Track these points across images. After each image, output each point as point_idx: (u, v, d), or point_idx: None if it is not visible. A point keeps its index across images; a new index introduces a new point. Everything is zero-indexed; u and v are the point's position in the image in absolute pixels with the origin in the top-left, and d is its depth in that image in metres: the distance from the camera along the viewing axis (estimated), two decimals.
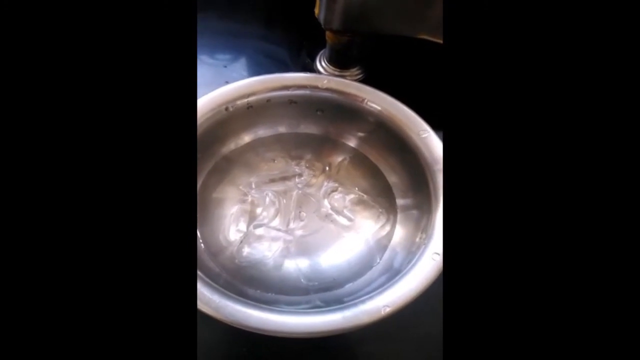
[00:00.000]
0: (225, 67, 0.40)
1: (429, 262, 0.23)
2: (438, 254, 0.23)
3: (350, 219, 0.31)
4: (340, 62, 0.37)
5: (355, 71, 0.38)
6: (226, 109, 0.29)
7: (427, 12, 0.29)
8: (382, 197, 0.32)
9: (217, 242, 0.29)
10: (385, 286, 0.23)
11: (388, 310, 0.22)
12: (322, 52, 0.39)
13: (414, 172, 0.30)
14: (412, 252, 0.26)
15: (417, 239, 0.26)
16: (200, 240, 0.29)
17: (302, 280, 0.28)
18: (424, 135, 0.28)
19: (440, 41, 0.31)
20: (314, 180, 0.33)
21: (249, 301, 0.23)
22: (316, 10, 0.32)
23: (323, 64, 0.39)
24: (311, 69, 0.39)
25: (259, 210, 0.31)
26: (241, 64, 0.40)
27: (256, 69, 0.40)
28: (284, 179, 0.33)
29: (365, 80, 0.38)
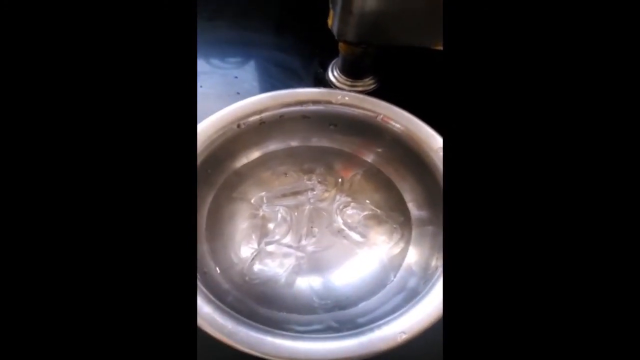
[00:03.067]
0: (236, 77, 0.39)
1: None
2: None
3: (363, 235, 0.30)
4: (353, 73, 0.37)
5: (368, 81, 0.38)
6: (238, 126, 0.29)
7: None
8: (396, 212, 0.31)
9: (227, 258, 0.29)
10: (401, 310, 0.23)
11: (404, 337, 0.21)
12: (334, 61, 0.39)
13: (429, 188, 0.29)
14: (428, 273, 0.26)
15: (434, 261, 0.26)
16: (210, 256, 0.28)
17: (314, 298, 0.28)
18: (441, 153, 0.28)
19: None
20: (326, 195, 0.32)
21: (261, 326, 0.22)
22: (329, 21, 0.31)
23: (335, 74, 0.38)
24: (323, 78, 0.39)
25: (270, 225, 0.31)
26: (252, 75, 0.40)
27: (267, 80, 0.39)
28: (296, 193, 0.32)
29: (378, 90, 0.38)
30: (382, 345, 0.21)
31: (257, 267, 0.29)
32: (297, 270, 0.29)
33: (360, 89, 0.37)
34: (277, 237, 0.30)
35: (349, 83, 0.37)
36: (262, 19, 0.44)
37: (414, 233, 0.30)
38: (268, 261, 0.29)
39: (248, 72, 0.40)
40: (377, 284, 0.28)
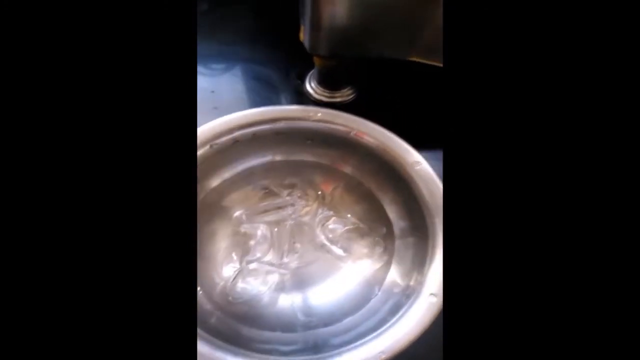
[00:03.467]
0: (213, 92, 0.39)
1: (425, 303, 0.23)
2: (434, 294, 0.23)
3: (346, 250, 0.30)
4: (329, 84, 0.37)
5: (346, 92, 0.38)
6: (210, 146, 0.29)
7: (416, 36, 0.28)
8: (378, 224, 0.31)
9: (209, 279, 0.29)
10: (383, 327, 0.22)
11: (384, 357, 0.21)
12: (311, 72, 0.38)
13: (408, 201, 0.29)
14: (410, 286, 0.26)
15: (415, 275, 0.26)
16: None
17: (298, 316, 0.27)
18: (417, 167, 0.28)
19: (432, 63, 0.30)
20: (307, 209, 0.32)
21: (242, 350, 0.22)
22: (301, 36, 0.31)
23: (313, 85, 0.38)
24: (301, 90, 0.39)
25: (252, 242, 0.31)
26: (230, 89, 0.39)
27: (245, 93, 0.39)
28: (277, 209, 0.32)
29: (356, 100, 0.38)
30: None
31: (239, 286, 0.29)
32: (281, 288, 0.28)
33: (338, 99, 0.37)
34: (258, 255, 0.30)
35: (327, 94, 0.37)
36: (238, 32, 0.43)
37: (396, 244, 0.29)
38: (250, 279, 0.29)
39: (225, 86, 0.39)
40: (361, 299, 0.28)
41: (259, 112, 0.30)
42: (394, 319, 0.23)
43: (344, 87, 0.37)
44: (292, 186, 0.33)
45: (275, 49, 0.41)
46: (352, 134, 0.30)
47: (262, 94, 0.38)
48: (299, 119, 0.30)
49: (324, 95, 0.37)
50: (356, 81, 0.38)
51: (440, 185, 0.27)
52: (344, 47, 0.30)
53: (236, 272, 0.29)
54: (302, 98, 0.37)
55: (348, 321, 0.27)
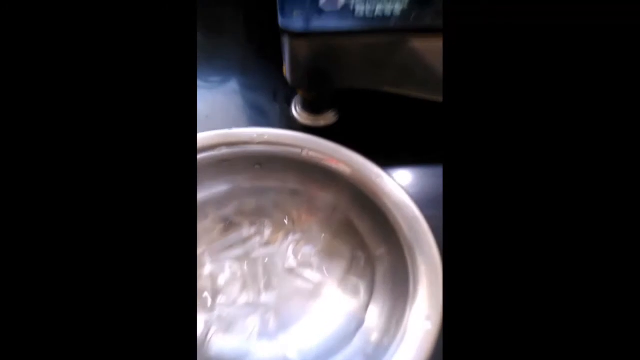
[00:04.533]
0: (207, 117, 0.37)
1: (419, 330, 0.21)
2: (429, 319, 0.22)
3: (323, 272, 0.28)
4: (313, 110, 0.37)
5: (329, 114, 0.37)
6: None
7: (383, 74, 0.31)
8: (352, 237, 0.29)
9: None
10: None
11: None
12: (295, 98, 0.38)
13: (377, 216, 0.27)
14: (400, 310, 0.24)
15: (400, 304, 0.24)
16: None
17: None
18: (377, 180, 0.26)
19: (402, 93, 0.32)
20: (275, 237, 0.29)
21: None
22: (284, 71, 0.32)
23: (298, 110, 0.38)
24: (288, 114, 0.38)
25: (220, 282, 0.28)
26: (220, 114, 0.38)
27: (234, 118, 0.38)
28: (242, 241, 0.29)
29: (340, 121, 0.37)
30: None
31: (215, 345, 0.25)
32: (264, 333, 0.26)
33: (322, 123, 0.37)
34: (233, 297, 0.27)
35: (311, 118, 0.37)
36: (227, 59, 0.43)
37: (378, 252, 0.28)
38: (227, 333, 0.26)
39: (215, 112, 0.38)
40: (354, 325, 0.26)
41: (201, 137, 0.26)
42: (393, 348, 0.22)
43: (328, 111, 0.37)
44: (253, 214, 0.30)
45: (265, 75, 0.41)
46: (303, 153, 0.27)
47: (251, 118, 0.38)
48: (242, 143, 0.27)
49: (308, 120, 0.37)
50: (339, 105, 0.38)
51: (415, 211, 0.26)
52: (323, 82, 0.32)
53: (208, 327, 0.26)
54: (290, 122, 0.37)
55: (347, 351, 0.25)
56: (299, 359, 0.25)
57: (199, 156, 0.26)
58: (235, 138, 0.27)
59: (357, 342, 0.25)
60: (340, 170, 0.27)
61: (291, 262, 0.28)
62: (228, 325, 0.26)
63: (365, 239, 0.28)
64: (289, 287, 0.27)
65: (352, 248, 0.29)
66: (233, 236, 0.29)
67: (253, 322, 0.26)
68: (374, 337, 0.24)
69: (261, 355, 0.25)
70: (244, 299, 0.27)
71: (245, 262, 0.28)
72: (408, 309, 0.23)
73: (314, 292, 0.27)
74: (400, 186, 0.26)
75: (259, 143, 0.27)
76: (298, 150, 0.27)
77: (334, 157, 0.27)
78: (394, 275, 0.26)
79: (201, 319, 0.26)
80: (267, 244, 0.29)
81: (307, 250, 0.29)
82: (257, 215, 0.30)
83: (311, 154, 0.27)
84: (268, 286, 0.27)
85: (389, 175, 0.27)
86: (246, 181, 0.29)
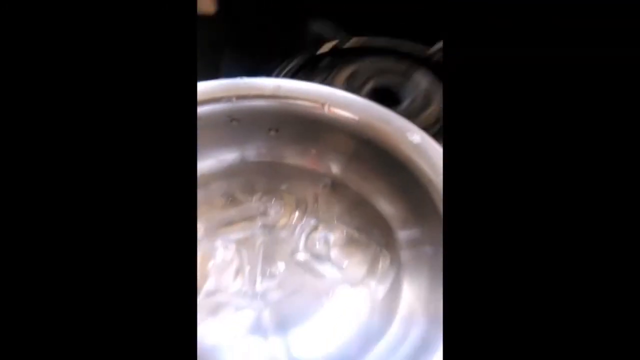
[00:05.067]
0: None
1: None
2: None
3: (340, 267, 0.23)
4: None
5: None
6: None
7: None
8: (378, 231, 0.24)
9: None
10: None
11: None
12: None
13: (412, 195, 0.22)
14: (438, 311, 0.19)
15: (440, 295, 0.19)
16: None
17: None
18: (416, 142, 0.21)
19: None
20: (284, 220, 0.24)
21: None
22: None
23: None
24: None
25: (210, 265, 0.22)
26: None
27: None
28: (245, 219, 0.24)
29: None
30: None
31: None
32: (257, 329, 0.20)
33: None
34: (223, 284, 0.22)
35: None
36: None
37: (406, 256, 0.23)
38: (213, 323, 0.20)
39: None
40: (372, 334, 0.20)
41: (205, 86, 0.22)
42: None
43: None
44: (263, 191, 0.25)
45: None
46: (325, 109, 0.23)
47: None
48: (253, 96, 0.23)
49: None
50: None
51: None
52: None
53: None
54: None
55: None
56: None
57: (202, 109, 0.22)
58: (247, 90, 0.23)
59: (381, 351, 0.19)
60: (371, 136, 0.22)
61: (301, 250, 0.23)
62: (213, 315, 0.20)
63: (392, 220, 0.23)
64: (294, 281, 0.22)
65: (377, 244, 0.23)
66: (234, 213, 0.24)
67: (245, 316, 0.20)
68: (406, 346, 0.18)
69: (249, 354, 0.19)
70: (236, 287, 0.21)
71: (244, 246, 0.23)
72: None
73: (325, 290, 0.22)
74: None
75: (274, 97, 0.23)
76: (319, 106, 0.23)
77: (364, 116, 0.22)
78: (431, 260, 0.20)
79: None
80: (274, 227, 0.24)
81: (322, 238, 0.24)
82: (266, 194, 0.25)
83: (336, 111, 0.23)
84: (268, 276, 0.22)
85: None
86: (257, 152, 0.25)
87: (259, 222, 0.24)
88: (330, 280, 0.22)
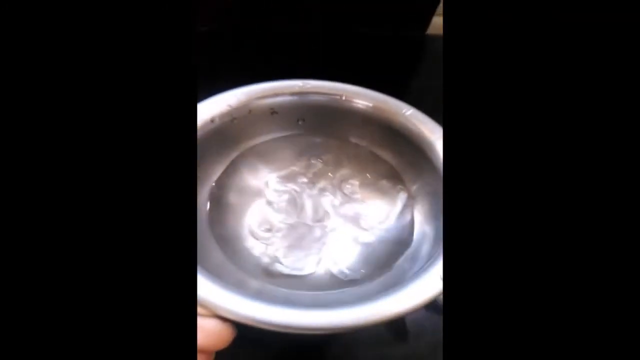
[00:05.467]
0: None
1: None
2: None
3: (363, 202, 0.31)
4: None
5: None
6: (212, 120, 0.29)
7: None
8: (396, 180, 0.32)
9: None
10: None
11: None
12: None
13: (416, 155, 0.30)
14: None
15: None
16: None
17: (334, 272, 0.28)
18: (409, 113, 0.30)
19: None
20: (321, 176, 0.33)
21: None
22: None
23: None
24: None
25: (277, 210, 0.31)
26: None
27: None
28: (292, 177, 0.33)
29: None
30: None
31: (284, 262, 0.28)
32: (316, 252, 0.28)
33: None
34: (288, 221, 0.30)
35: None
36: None
37: (418, 192, 0.31)
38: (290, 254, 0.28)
39: None
40: (393, 253, 0.28)
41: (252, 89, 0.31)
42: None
43: None
44: (304, 159, 0.34)
45: None
46: (343, 98, 0.31)
47: None
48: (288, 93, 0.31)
49: None
50: None
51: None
52: None
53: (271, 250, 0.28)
54: None
55: (382, 279, 0.27)
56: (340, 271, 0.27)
57: (251, 105, 0.31)
58: (282, 89, 0.31)
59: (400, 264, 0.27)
60: (376, 114, 0.31)
61: (338, 197, 0.32)
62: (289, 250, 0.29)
63: (404, 173, 0.32)
64: (335, 220, 0.30)
65: (394, 185, 0.32)
66: (286, 173, 0.33)
67: (307, 243, 0.29)
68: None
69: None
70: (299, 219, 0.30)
71: (300, 196, 0.31)
72: None
73: (357, 223, 0.30)
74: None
75: (302, 93, 0.31)
76: (338, 97, 0.31)
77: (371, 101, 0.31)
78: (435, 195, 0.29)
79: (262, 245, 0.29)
80: (317, 184, 0.32)
81: (353, 187, 0.32)
82: (306, 161, 0.33)
83: (350, 100, 0.31)
84: (316, 217, 0.30)
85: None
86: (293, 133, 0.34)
87: (305, 180, 0.32)
88: (358, 216, 0.30)
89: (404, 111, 0.30)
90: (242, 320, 0.19)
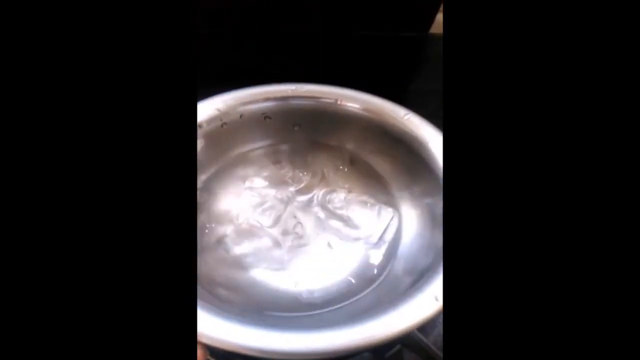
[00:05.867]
0: None
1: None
2: None
3: (347, 220, 0.29)
4: None
5: None
6: (199, 126, 0.28)
7: None
8: (383, 194, 0.30)
9: None
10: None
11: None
12: None
13: (411, 160, 0.28)
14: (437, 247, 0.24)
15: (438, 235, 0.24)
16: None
17: (302, 294, 0.25)
18: (406, 117, 0.28)
19: None
20: (308, 189, 0.31)
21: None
22: None
23: None
24: None
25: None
26: None
27: None
28: (279, 186, 0.31)
29: None
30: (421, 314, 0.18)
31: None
32: (279, 266, 0.26)
33: None
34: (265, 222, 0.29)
35: None
36: None
37: (407, 207, 0.29)
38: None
39: None
40: (376, 271, 0.26)
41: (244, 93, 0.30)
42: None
43: None
44: (291, 166, 0.32)
45: None
46: (338, 102, 0.30)
47: None
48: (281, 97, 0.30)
49: None
50: None
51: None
52: None
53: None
54: None
55: (363, 296, 0.25)
56: (310, 291, 0.26)
57: (243, 109, 0.30)
58: (274, 93, 0.30)
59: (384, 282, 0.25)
60: (373, 119, 0.29)
61: (319, 211, 0.30)
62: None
63: (395, 183, 0.30)
64: (313, 233, 0.29)
65: (383, 196, 0.30)
66: (268, 185, 0.31)
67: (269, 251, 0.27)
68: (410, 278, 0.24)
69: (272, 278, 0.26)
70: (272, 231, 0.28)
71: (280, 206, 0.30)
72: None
73: (341, 237, 0.28)
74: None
75: (296, 97, 0.30)
76: (332, 101, 0.30)
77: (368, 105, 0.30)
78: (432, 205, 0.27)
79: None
80: (300, 193, 0.31)
81: (337, 200, 0.30)
82: (294, 168, 0.32)
83: (345, 102, 0.30)
84: (294, 229, 0.29)
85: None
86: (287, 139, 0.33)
87: (291, 190, 0.31)
88: (343, 233, 0.28)
89: (401, 115, 0.28)
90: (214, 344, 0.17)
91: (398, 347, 0.23)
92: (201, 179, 0.30)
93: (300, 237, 0.28)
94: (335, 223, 0.29)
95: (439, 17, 0.40)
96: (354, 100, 0.30)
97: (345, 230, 0.29)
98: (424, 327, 0.19)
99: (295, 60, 0.43)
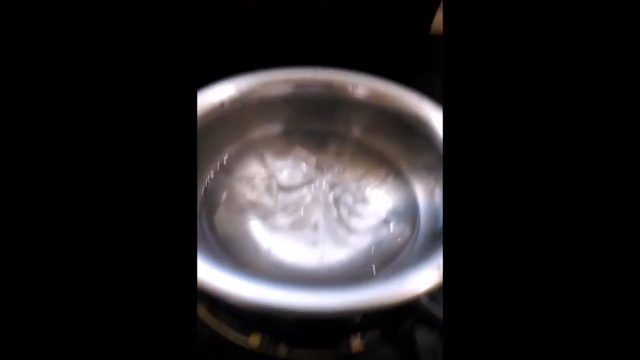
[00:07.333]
0: None
1: None
2: None
3: (368, 203, 0.30)
4: None
5: None
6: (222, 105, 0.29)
7: None
8: (398, 175, 0.32)
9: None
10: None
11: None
12: None
13: (423, 144, 0.29)
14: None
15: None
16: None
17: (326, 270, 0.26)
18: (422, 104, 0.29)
19: None
20: (324, 172, 0.32)
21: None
22: None
23: None
24: None
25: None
26: None
27: None
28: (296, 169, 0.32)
29: None
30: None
31: None
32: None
33: None
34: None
35: None
36: None
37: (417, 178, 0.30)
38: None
39: None
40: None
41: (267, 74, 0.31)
42: None
43: None
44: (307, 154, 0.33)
45: None
46: (353, 89, 0.31)
47: None
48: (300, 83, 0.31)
49: None
50: None
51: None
52: None
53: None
54: None
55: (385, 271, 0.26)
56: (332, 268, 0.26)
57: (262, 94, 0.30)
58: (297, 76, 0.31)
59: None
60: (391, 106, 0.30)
61: (332, 202, 0.30)
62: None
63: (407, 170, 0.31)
64: (330, 225, 0.29)
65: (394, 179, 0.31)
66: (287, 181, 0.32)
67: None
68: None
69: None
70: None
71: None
72: None
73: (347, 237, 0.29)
74: None
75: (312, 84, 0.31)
76: (349, 87, 0.31)
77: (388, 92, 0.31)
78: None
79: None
80: (316, 187, 0.31)
81: (350, 188, 0.31)
82: (308, 157, 0.33)
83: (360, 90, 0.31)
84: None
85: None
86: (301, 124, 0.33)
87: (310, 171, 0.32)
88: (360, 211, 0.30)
89: (419, 103, 0.30)
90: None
91: (410, 323, 0.24)
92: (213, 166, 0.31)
93: (315, 220, 0.29)
94: (352, 204, 0.30)
95: (439, 17, 0.41)
96: (368, 87, 0.31)
97: (362, 209, 0.30)
98: (437, 296, 0.20)
99: (295, 60, 0.43)
